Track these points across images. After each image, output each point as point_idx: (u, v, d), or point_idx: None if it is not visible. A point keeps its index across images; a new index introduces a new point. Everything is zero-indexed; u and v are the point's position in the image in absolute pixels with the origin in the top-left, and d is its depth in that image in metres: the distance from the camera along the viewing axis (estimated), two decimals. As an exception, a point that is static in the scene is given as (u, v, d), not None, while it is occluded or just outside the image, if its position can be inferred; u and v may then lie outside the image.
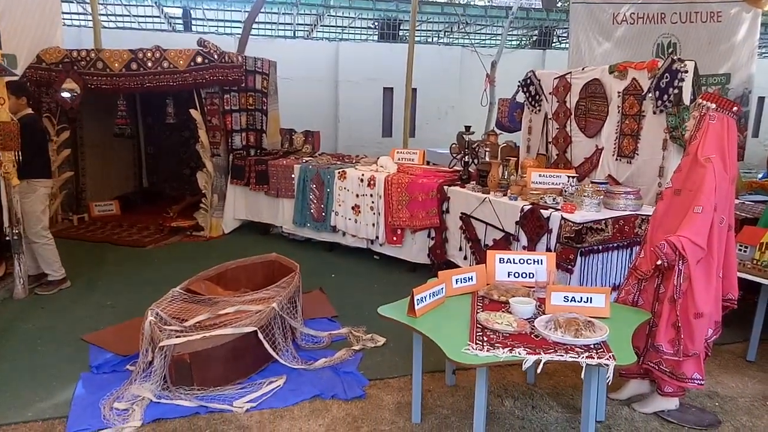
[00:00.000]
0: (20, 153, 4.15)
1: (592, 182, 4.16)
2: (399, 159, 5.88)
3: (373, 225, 5.30)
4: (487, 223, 4.33)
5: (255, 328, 3.17)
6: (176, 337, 3.07)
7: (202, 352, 3.03)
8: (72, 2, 9.34)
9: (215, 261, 5.06)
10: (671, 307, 2.66)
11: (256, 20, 8.86)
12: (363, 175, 5.35)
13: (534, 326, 2.42)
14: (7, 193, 4.20)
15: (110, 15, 10.71)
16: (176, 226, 6.48)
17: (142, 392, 2.95)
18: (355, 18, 11.58)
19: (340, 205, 5.54)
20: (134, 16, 10.97)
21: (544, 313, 2.56)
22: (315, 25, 11.89)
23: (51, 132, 6.26)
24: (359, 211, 5.38)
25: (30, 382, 3.16)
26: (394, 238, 5.19)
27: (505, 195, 4.27)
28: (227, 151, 6.38)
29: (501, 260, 3.01)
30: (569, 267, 3.56)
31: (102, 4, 9.26)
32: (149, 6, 10.24)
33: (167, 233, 6.41)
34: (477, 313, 2.59)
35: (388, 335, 3.68)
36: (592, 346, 2.26)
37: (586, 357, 2.18)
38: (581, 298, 2.59)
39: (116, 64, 6.04)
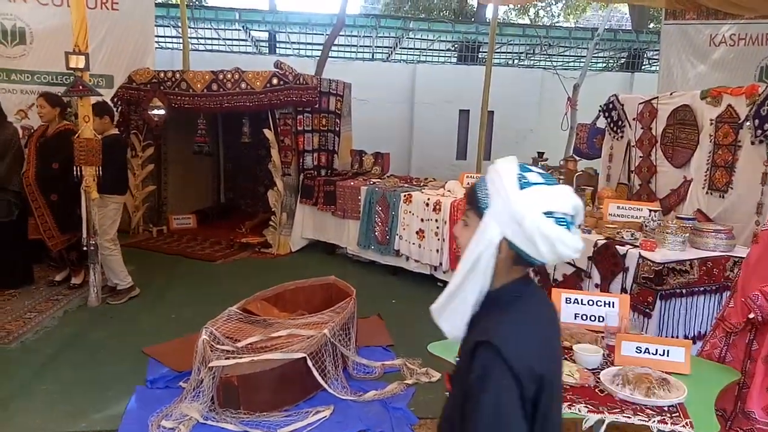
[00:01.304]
0: (100, 169, 4.38)
1: (677, 217, 3.79)
2: (468, 184, 5.69)
3: (437, 251, 5.13)
4: (557, 257, 4.04)
5: (304, 355, 3.10)
6: (225, 358, 3.05)
7: (250, 376, 2.98)
8: (168, 26, 9.96)
9: (280, 279, 5.09)
10: (767, 368, 2.30)
11: (336, 43, 9.03)
12: (429, 199, 5.21)
13: (599, 379, 2.16)
14: (86, 205, 4.43)
15: (201, 38, 11.33)
16: (246, 242, 6.61)
17: (191, 412, 2.94)
18: (434, 41, 11.56)
19: (404, 229, 5.42)
20: (224, 39, 11.54)
21: (612, 365, 2.29)
22: (394, 48, 11.98)
23: (137, 148, 6.62)
24: (423, 236, 5.24)
25: (88, 392, 3.25)
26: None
27: (579, 227, 3.98)
28: (298, 170, 6.46)
29: (567, 300, 2.75)
30: (647, 311, 3.23)
31: (192, 28, 9.82)
32: (237, 30, 10.73)
33: (237, 249, 6.55)
34: (535, 358, 2.36)
35: (445, 370, 3.48)
36: (666, 409, 1.97)
37: (658, 421, 1.90)
38: (657, 350, 2.29)
39: (198, 85, 6.31)
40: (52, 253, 4.89)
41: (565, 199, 1.12)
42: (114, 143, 4.66)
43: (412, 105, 11.32)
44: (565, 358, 2.37)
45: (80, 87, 4.28)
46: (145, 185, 6.87)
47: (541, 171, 1.16)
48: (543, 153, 4.94)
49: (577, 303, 2.74)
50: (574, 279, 3.82)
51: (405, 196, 5.42)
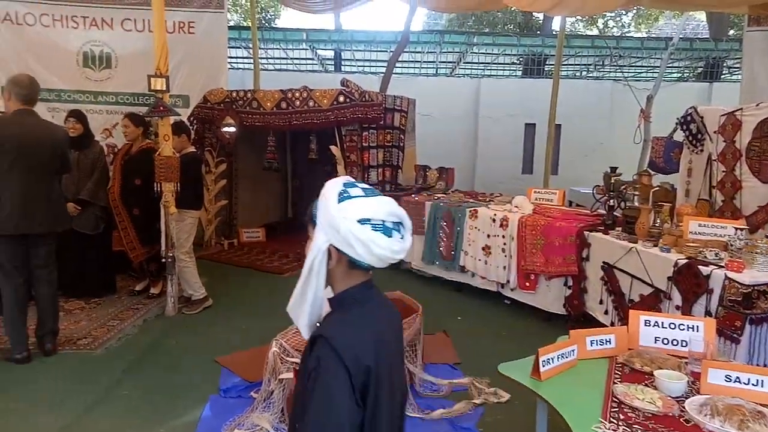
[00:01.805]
0: (178, 185, 4.60)
1: (767, 236, 3.54)
2: (536, 199, 5.57)
3: (504, 268, 5.04)
4: (633, 276, 3.87)
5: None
6: (295, 370, 3.10)
7: (318, 389, 3.01)
8: (239, 48, 10.40)
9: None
10: None
11: (400, 59, 9.13)
12: (495, 214, 5.13)
13: (684, 408, 2.04)
14: (165, 219, 4.66)
15: (270, 58, 11.75)
16: (311, 256, 6.72)
17: (261, 422, 3.01)
18: (498, 54, 11.47)
19: (470, 245, 5.36)
20: (291, 58, 11.93)
21: (698, 393, 2.15)
22: (458, 63, 11.97)
23: (211, 164, 6.92)
24: (490, 253, 5.15)
25: (166, 398, 3.38)
26: (527, 284, 4.87)
27: (656, 245, 3.80)
28: (363, 185, 6.53)
29: (647, 323, 2.62)
30: (735, 336, 3.02)
31: (263, 49, 10.20)
32: (305, 49, 11.06)
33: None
34: (614, 383, 2.26)
35: (514, 391, 3.39)
36: (762, 444, 1.84)
37: (754, 457, 1.77)
38: (749, 379, 2.14)
39: (268, 103, 6.53)
40: (134, 264, 5.16)
41: (381, 208, 1.26)
42: (191, 161, 4.89)
43: (477, 119, 11.24)
44: (646, 385, 2.26)
45: (161, 108, 4.54)
46: (218, 200, 7.16)
47: (364, 186, 1.32)
48: (616, 168, 4.75)
49: (658, 326, 2.61)
50: (652, 300, 3.64)
51: (471, 211, 5.37)
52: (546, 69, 11.58)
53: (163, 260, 4.76)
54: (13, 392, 3.38)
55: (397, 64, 9.18)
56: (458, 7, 6.51)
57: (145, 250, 4.97)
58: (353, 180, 1.35)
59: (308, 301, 1.31)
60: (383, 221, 1.26)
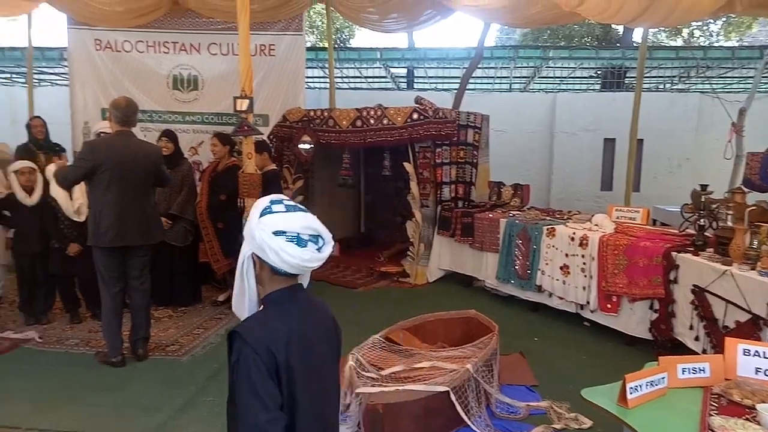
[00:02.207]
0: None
1: None
2: (618, 217, 5.36)
3: (584, 288, 4.86)
4: (727, 301, 3.63)
5: (448, 389, 3.08)
6: (371, 385, 3.13)
7: (394, 405, 3.03)
8: (315, 68, 10.74)
9: (417, 309, 5.15)
10: None
11: (473, 75, 9.10)
12: (574, 233, 4.98)
13: (793, 447, 1.89)
14: (247, 233, 4.86)
15: (345, 77, 12.05)
16: (385, 270, 6.80)
17: (337, 435, 3.05)
18: (575, 68, 11.18)
19: (547, 264, 5.22)
20: (365, 77, 12.17)
21: (808, 431, 1.99)
22: (532, 78, 11.78)
23: (288, 180, 7.16)
24: (568, 272, 5.00)
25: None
26: (608, 306, 4.68)
27: (753, 268, 3.55)
28: (436, 202, 6.55)
29: (746, 352, 2.45)
30: None
31: (338, 68, 10.48)
32: (378, 67, 11.26)
33: (376, 277, 6.76)
34: (709, 416, 2.12)
35: (597, 418, 3.25)
36: None
37: None
38: None
39: (344, 122, 6.70)
40: (217, 275, 5.40)
41: (297, 222, 1.47)
42: (272, 177, 5.10)
43: (552, 135, 10.98)
44: (747, 419, 2.11)
45: (245, 127, 4.76)
46: (295, 215, 7.38)
47: (288, 203, 1.52)
48: (706, 186, 4.48)
49: (759, 356, 2.43)
50: (750, 327, 3.40)
51: (548, 229, 5.23)
52: (626, 82, 11.16)
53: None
54: (111, 393, 3.63)
55: (470, 80, 9.16)
56: (534, 22, 6.44)
57: (227, 262, 5.20)
58: (282, 198, 1.56)
59: (245, 299, 1.54)
60: (298, 233, 1.46)
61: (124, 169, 3.93)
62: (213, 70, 8.06)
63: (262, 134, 5.36)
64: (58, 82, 12.46)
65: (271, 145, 7.14)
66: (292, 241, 1.45)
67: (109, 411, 3.39)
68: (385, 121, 6.40)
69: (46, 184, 4.74)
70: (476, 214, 6.09)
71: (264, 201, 1.53)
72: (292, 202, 1.55)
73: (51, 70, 11.94)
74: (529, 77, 11.86)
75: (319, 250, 1.51)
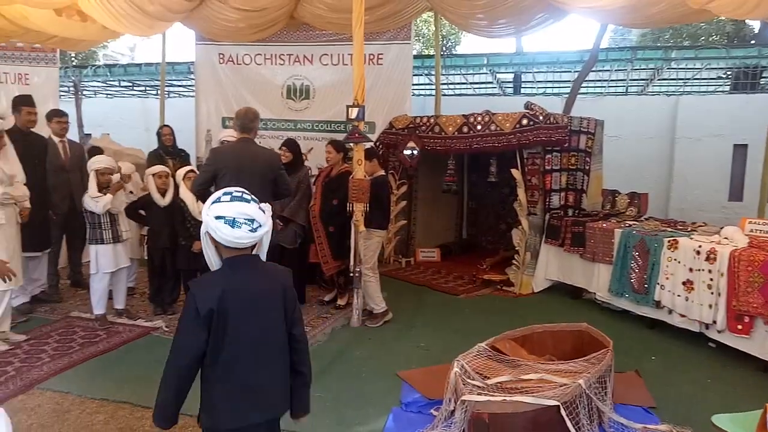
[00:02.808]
0: (368, 206, 4.91)
1: None
2: (751, 230, 4.86)
3: (710, 306, 4.46)
4: None
5: (558, 403, 2.96)
6: (478, 394, 3.08)
7: (501, 416, 2.96)
8: (421, 75, 10.84)
9: (522, 319, 5.02)
10: None
11: (585, 78, 8.72)
12: (700, 246, 4.59)
13: None
14: (355, 237, 5.00)
15: (450, 84, 12.05)
16: (488, 278, 6.68)
17: (440, 441, 3.04)
18: (701, 69, 10.35)
19: (667, 278, 4.86)
20: (470, 83, 12.09)
21: None
22: (651, 80, 11.07)
23: (393, 186, 7.27)
24: (692, 288, 4.61)
25: (352, 405, 3.59)
26: (739, 327, 4.26)
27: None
28: (544, 210, 6.33)
29: None
30: None
31: (444, 75, 10.49)
32: (484, 73, 11.14)
33: (479, 285, 6.66)
34: None
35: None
36: None
37: None
38: None
39: (450, 128, 6.69)
40: (325, 276, 5.59)
41: (234, 209, 1.95)
42: (381, 184, 5.21)
43: (673, 140, 10.22)
44: None
45: (356, 135, 4.91)
46: (398, 220, 7.48)
47: (235, 194, 2.00)
48: None
49: None
50: None
51: (669, 241, 4.87)
52: (761, 83, 10.15)
53: (351, 274, 5.10)
54: (227, 382, 3.87)
55: (582, 84, 8.79)
56: (656, 22, 6.03)
57: (336, 264, 5.37)
58: (232, 190, 2.02)
59: (212, 263, 2.06)
60: (234, 218, 1.94)
61: (242, 174, 4.17)
62: (323, 79, 8.40)
63: (372, 141, 5.50)
64: (185, 93, 13.60)
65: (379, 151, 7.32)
66: (228, 224, 1.94)
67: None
68: (492, 127, 6.31)
69: (177, 187, 5.19)
70: (588, 223, 5.80)
71: (218, 193, 2.03)
72: (239, 193, 2.01)
73: (179, 83, 13.07)
74: (647, 80, 11.16)
75: (252, 230, 1.97)
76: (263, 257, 2.12)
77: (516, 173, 6.30)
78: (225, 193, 2.01)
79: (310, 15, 6.98)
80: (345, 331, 5.02)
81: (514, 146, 6.21)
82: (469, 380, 3.26)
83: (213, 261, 2.05)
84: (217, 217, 1.95)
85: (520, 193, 6.30)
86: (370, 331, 5.02)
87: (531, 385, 3.26)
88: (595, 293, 5.75)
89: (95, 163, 4.85)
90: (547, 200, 6.32)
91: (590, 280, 5.80)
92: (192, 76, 10.05)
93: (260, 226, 2.00)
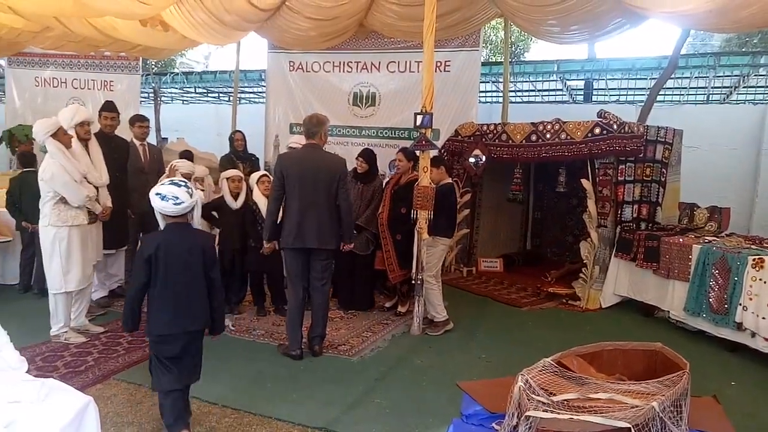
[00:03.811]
0: (432, 213, 4.88)
1: None
2: None
3: (800, 332, 4.14)
4: None
5: (629, 425, 2.81)
6: (543, 410, 2.98)
7: (566, 435, 2.85)
8: (488, 82, 10.71)
9: (588, 335, 4.85)
10: None
11: (663, 86, 8.34)
12: (789, 266, 4.26)
13: None
14: (418, 244, 4.98)
15: (518, 91, 11.83)
16: (553, 291, 6.48)
17: (503, 456, 2.96)
18: (792, 76, 9.68)
19: (750, 299, 4.54)
20: (539, 90, 11.83)
21: None
22: (735, 88, 10.43)
23: (457, 194, 7.19)
24: (779, 311, 4.29)
25: (413, 412, 3.57)
26: (833, 355, 3.92)
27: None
28: (615, 222, 6.09)
29: None
30: None
31: (512, 82, 10.32)
32: (554, 80, 10.87)
33: (543, 297, 6.48)
34: None
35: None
36: None
37: None
38: None
39: (518, 136, 6.56)
40: (391, 283, 5.59)
41: (164, 189, 2.96)
42: (448, 191, 5.17)
43: (759, 152, 9.56)
44: None
45: (423, 142, 4.91)
46: (460, 228, 7.38)
47: (174, 181, 3.07)
48: None
49: None
50: None
51: (755, 260, 4.55)
52: None
53: (413, 282, 5.08)
54: (290, 382, 3.95)
55: (659, 92, 8.40)
56: (745, 26, 5.64)
57: (402, 272, 5.36)
58: (174, 179, 3.13)
59: (161, 228, 3.06)
60: (165, 195, 2.94)
61: (305, 179, 4.28)
62: (389, 86, 8.47)
63: (438, 148, 5.48)
64: (255, 100, 14.07)
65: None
66: (159, 198, 2.95)
67: (289, 400, 3.68)
68: (563, 136, 6.13)
69: (249, 190, 5.37)
70: (663, 237, 5.52)
71: (164, 180, 3.24)
72: (178, 180, 3.08)
73: (251, 89, 13.54)
74: (731, 87, 10.53)
75: (176, 204, 2.94)
76: (196, 225, 3.15)
77: (586, 184, 6.09)
78: (169, 181, 3.06)
79: (379, 23, 7.06)
80: (405, 338, 5.01)
81: (585, 156, 6.01)
82: (533, 395, 3.16)
83: (161, 225, 3.05)
84: (156, 194, 2.97)
85: (590, 204, 6.08)
86: (430, 339, 4.98)
87: (600, 405, 3.12)
88: (668, 312, 5.46)
89: (179, 166, 5.13)
90: (619, 212, 6.07)
91: (664, 297, 5.51)
92: (263, 83, 10.38)
93: (182, 202, 2.95)
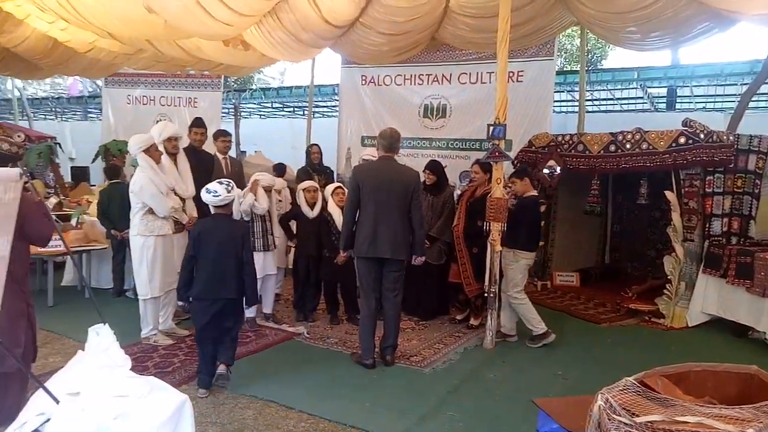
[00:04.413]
0: (508, 225, 4.81)
1: None
2: None
3: None
4: None
5: (721, 453, 2.64)
6: (625, 431, 2.86)
7: (651, 459, 2.71)
8: (563, 92, 10.47)
9: (673, 355, 4.62)
10: None
11: (756, 92, 7.82)
12: None
13: None
14: (491, 257, 4.92)
15: (595, 100, 11.47)
16: (634, 308, 6.20)
17: (582, 478, 2.86)
18: None
19: None
20: (617, 99, 11.41)
21: None
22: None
23: (539, 206, 7.04)
24: None
25: (486, 428, 3.53)
26: None
27: None
28: (702, 236, 5.75)
29: None
30: None
31: (589, 91, 10.02)
32: (633, 88, 10.45)
33: (623, 314, 6.21)
34: None
35: None
36: None
37: None
38: None
39: (595, 147, 6.36)
40: (461, 296, 5.55)
41: (211, 186, 3.93)
42: (531, 204, 5.09)
43: None
44: None
45: (497, 153, 4.86)
46: (535, 241, 7.23)
47: (220, 181, 3.99)
48: None
49: None
50: None
51: None
52: None
53: (485, 295, 5.02)
54: (363, 391, 4.00)
55: (752, 98, 7.88)
56: None
57: (478, 286, 5.29)
58: (222, 179, 4.00)
59: None
60: (209, 189, 3.87)
61: (380, 190, 4.35)
62: (460, 98, 8.47)
63: (512, 160, 5.41)
64: (329, 114, 14.46)
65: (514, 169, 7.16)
66: (206, 192, 3.84)
67: (363, 408, 3.72)
68: (644, 146, 5.88)
69: (325, 201, 5.52)
70: (758, 253, 5.16)
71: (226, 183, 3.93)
72: (223, 180, 3.94)
73: (324, 104, 13.94)
74: (834, 92, 9.72)
75: (214, 196, 3.82)
76: (236, 217, 4.41)
77: (670, 196, 5.80)
78: (216, 181, 3.94)
79: (451, 36, 7.07)
80: (477, 351, 4.95)
81: (669, 166, 5.73)
82: (615, 416, 3.03)
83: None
84: (205, 189, 3.85)
85: (675, 217, 5.78)
86: (504, 353, 4.90)
87: (688, 429, 2.94)
88: (765, 333, 5.08)
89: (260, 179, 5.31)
90: (707, 226, 5.73)
91: (759, 317, 5.14)
92: (336, 98, 10.66)
93: (219, 194, 3.80)
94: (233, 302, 3.89)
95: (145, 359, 4.43)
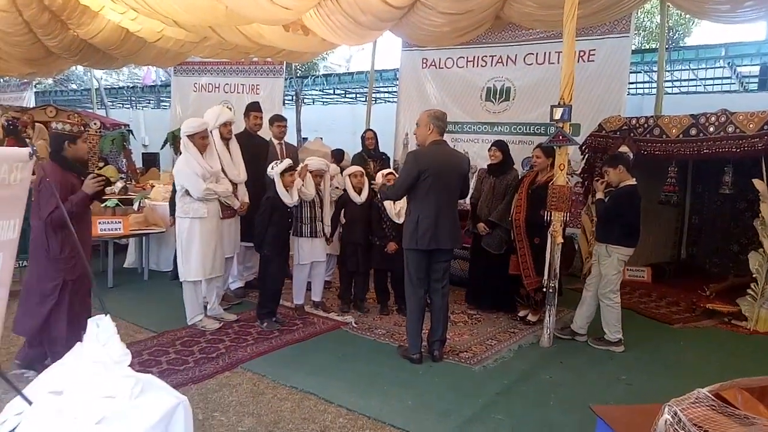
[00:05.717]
0: (567, 215, 4.47)
1: None
2: None
3: None
4: None
5: (811, 486, 2.26)
6: None
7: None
8: (639, 72, 9.73)
9: (756, 363, 4.16)
10: None
11: None
12: None
13: None
14: (551, 249, 4.57)
15: (675, 80, 10.60)
16: (712, 308, 5.65)
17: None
18: None
19: None
20: (700, 79, 10.50)
21: None
22: None
23: (638, 197, 6.53)
24: None
25: (537, 435, 3.25)
26: None
27: None
28: (796, 231, 5.12)
29: None
30: None
31: (668, 71, 9.25)
32: (720, 67, 9.55)
33: (700, 314, 5.68)
34: None
35: None
36: None
37: None
38: None
39: (674, 130, 5.80)
40: (522, 290, 5.22)
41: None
42: (627, 194, 4.64)
43: None
44: None
45: (560, 137, 4.49)
46: (602, 232, 6.74)
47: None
48: None
49: None
50: None
51: None
52: None
53: (544, 289, 4.69)
54: (407, 388, 3.80)
55: None
56: None
57: (538, 279, 4.94)
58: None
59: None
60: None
61: (441, 176, 4.11)
62: (525, 79, 8.04)
63: (578, 144, 4.99)
64: (390, 99, 14.26)
65: (582, 155, 6.69)
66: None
67: (405, 407, 3.54)
68: (730, 129, 5.30)
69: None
70: None
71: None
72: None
73: (385, 89, 13.74)
74: None
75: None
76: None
77: (759, 184, 5.19)
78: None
79: (517, 14, 6.66)
80: (533, 350, 4.64)
81: (760, 152, 5.12)
82: (681, 431, 2.70)
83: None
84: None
85: (764, 208, 5.18)
86: (562, 353, 4.56)
87: (771, 454, 2.57)
88: None
89: (310, 164, 5.20)
90: (803, 219, 5.10)
91: None
92: (396, 82, 10.44)
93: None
94: None
95: (191, 344, 4.44)
